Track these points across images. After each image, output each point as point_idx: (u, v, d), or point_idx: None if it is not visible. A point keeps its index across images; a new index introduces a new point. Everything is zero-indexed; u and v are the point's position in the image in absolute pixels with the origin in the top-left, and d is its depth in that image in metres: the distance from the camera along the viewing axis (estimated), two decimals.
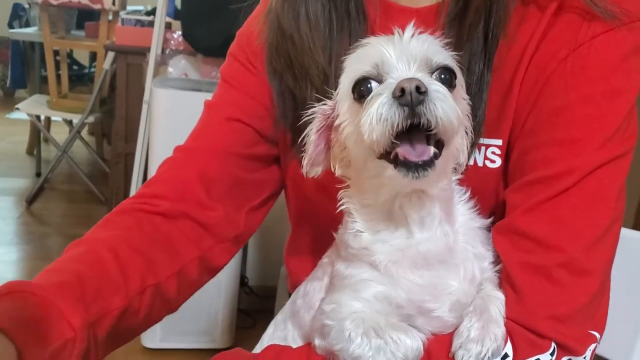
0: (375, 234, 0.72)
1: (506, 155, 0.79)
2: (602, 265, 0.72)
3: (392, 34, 0.68)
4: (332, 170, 0.74)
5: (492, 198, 0.78)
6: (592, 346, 0.71)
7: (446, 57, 0.68)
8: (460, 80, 0.70)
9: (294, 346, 0.81)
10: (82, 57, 5.12)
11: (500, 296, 0.72)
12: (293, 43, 0.84)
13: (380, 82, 0.65)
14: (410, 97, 0.59)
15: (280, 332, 0.87)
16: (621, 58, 0.71)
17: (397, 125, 0.60)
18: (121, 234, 0.81)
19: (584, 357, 0.71)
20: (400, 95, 0.59)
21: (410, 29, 0.67)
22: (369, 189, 0.71)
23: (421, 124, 0.60)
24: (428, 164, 0.62)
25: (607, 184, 0.71)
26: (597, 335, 0.72)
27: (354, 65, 0.69)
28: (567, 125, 0.72)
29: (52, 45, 3.64)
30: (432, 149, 0.62)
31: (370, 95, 0.63)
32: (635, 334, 0.95)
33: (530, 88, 0.75)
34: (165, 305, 0.84)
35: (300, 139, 0.76)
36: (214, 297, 2.34)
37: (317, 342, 0.74)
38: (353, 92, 0.67)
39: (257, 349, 0.87)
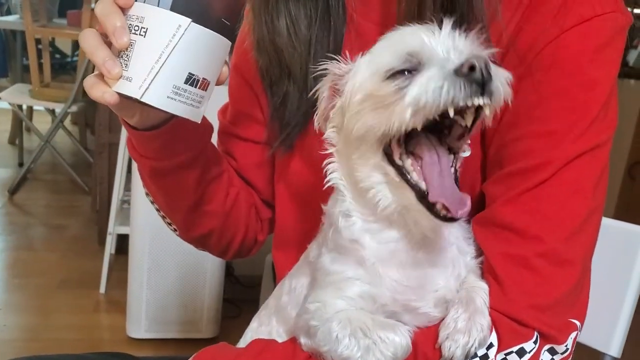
0: (366, 222, 0.71)
1: (482, 147, 0.80)
2: (582, 254, 0.73)
3: (371, 22, 0.67)
4: (320, 129, 0.74)
5: (468, 188, 0.79)
6: (574, 334, 0.72)
7: (488, 54, 0.65)
8: None
9: (280, 341, 0.81)
10: (65, 45, 5.06)
11: (484, 286, 0.72)
12: (272, 43, 0.86)
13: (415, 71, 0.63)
14: (482, 74, 0.58)
15: (264, 327, 0.87)
16: (596, 49, 0.71)
17: (460, 101, 0.58)
18: None
19: (566, 345, 0.72)
20: (467, 73, 0.58)
21: (448, 24, 0.65)
22: (358, 169, 0.70)
23: (466, 125, 0.62)
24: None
25: (585, 174, 0.72)
26: (578, 323, 0.73)
27: (383, 55, 0.67)
28: (544, 118, 0.72)
29: (34, 34, 3.60)
30: (468, 200, 0.62)
31: (425, 69, 0.61)
32: (615, 321, 0.96)
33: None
34: (217, 218, 0.95)
35: (291, 129, 0.79)
36: (199, 287, 2.34)
37: (303, 340, 0.74)
38: (387, 72, 0.65)
39: (241, 343, 0.87)
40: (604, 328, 0.97)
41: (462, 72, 0.59)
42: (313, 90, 0.74)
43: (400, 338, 0.67)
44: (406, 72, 0.63)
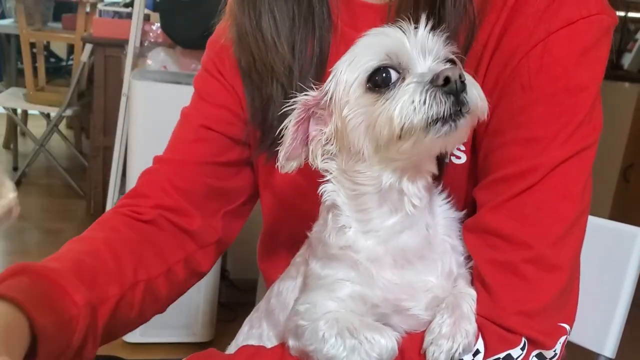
0: (365, 224, 0.71)
1: (473, 153, 0.80)
2: (570, 258, 0.73)
3: (355, 29, 0.68)
4: (311, 164, 0.73)
5: (462, 195, 0.79)
6: (562, 339, 0.72)
7: (450, 51, 0.69)
8: None
9: (269, 345, 0.82)
10: (60, 49, 5.06)
11: (472, 293, 0.73)
12: (256, 39, 0.85)
13: (399, 72, 0.66)
14: (455, 85, 0.62)
15: (255, 330, 0.87)
16: (581, 52, 0.71)
17: (444, 112, 0.62)
18: (113, 235, 0.85)
19: (554, 350, 0.72)
20: (443, 84, 0.62)
21: (422, 22, 0.68)
22: (367, 177, 0.70)
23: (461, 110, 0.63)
24: (460, 113, 0.64)
25: (572, 178, 0.72)
26: (567, 327, 0.73)
27: (364, 55, 0.68)
28: (530, 124, 0.72)
29: (29, 38, 3.59)
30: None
31: (404, 83, 0.64)
32: (609, 322, 0.96)
33: (493, 86, 0.75)
34: (155, 304, 0.87)
35: (275, 134, 0.76)
36: (194, 291, 2.30)
37: (291, 342, 0.74)
38: (368, 81, 0.67)
39: (232, 347, 0.88)
40: (598, 329, 0.97)
41: (437, 83, 0.62)
42: (280, 129, 0.73)
43: (386, 340, 0.68)
44: (385, 75, 0.66)
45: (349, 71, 0.69)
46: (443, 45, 0.68)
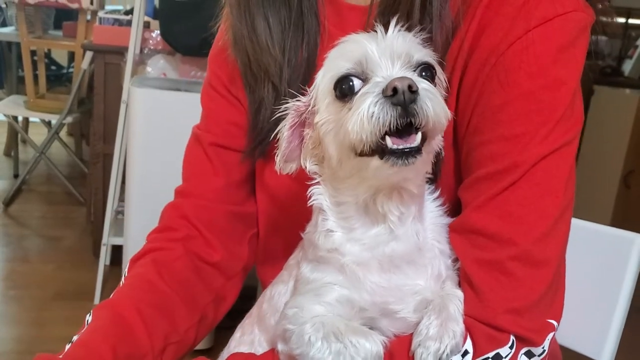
0: (349, 232, 0.72)
1: (454, 150, 0.80)
2: (556, 254, 0.73)
3: (343, 31, 0.69)
4: (303, 166, 0.74)
5: (445, 192, 0.79)
6: (550, 335, 0.72)
7: (426, 54, 0.69)
8: (440, 76, 0.71)
9: (261, 351, 0.82)
10: (61, 57, 5.07)
11: (459, 294, 0.73)
12: (251, 41, 0.86)
13: (363, 80, 0.65)
14: (403, 97, 0.60)
15: (247, 336, 0.87)
16: (559, 49, 0.71)
17: (390, 124, 0.60)
18: (144, 295, 0.86)
19: (543, 347, 0.72)
20: (392, 94, 0.60)
21: (392, 26, 0.67)
22: (345, 187, 0.71)
23: (412, 122, 0.61)
24: (416, 151, 0.62)
25: (554, 174, 0.72)
26: (555, 323, 0.73)
27: (335, 62, 0.69)
28: (510, 121, 0.72)
29: (29, 45, 3.60)
30: (419, 136, 0.63)
31: (358, 94, 0.63)
32: (607, 328, 0.96)
33: (472, 85, 0.75)
34: (184, 351, 0.91)
35: (271, 137, 0.77)
36: None
37: (280, 347, 0.74)
38: (335, 89, 0.67)
39: (225, 353, 0.88)
40: (595, 335, 0.97)
41: (387, 95, 0.60)
42: (274, 132, 0.74)
43: (371, 345, 0.68)
44: (350, 84, 0.65)
45: (322, 79, 0.70)
46: (418, 49, 0.68)
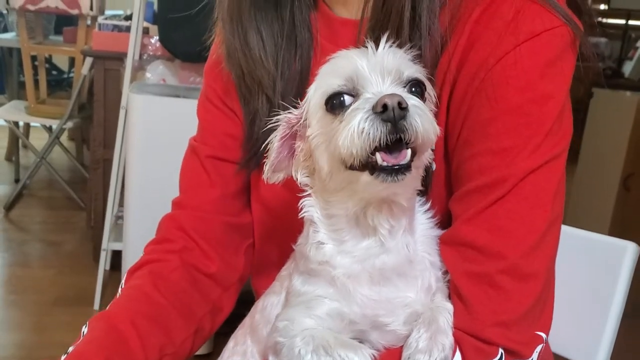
0: (340, 244, 0.72)
1: (445, 162, 0.80)
2: (544, 267, 0.73)
3: (335, 45, 0.69)
4: (294, 178, 0.75)
5: (436, 204, 0.79)
6: (539, 347, 0.73)
7: (416, 70, 0.69)
8: (430, 92, 0.72)
9: None
10: (63, 62, 5.08)
11: (448, 307, 0.73)
12: (245, 54, 0.87)
13: (354, 95, 0.66)
14: (393, 113, 0.61)
15: (240, 346, 0.88)
16: (546, 64, 0.72)
17: (380, 140, 0.61)
18: (140, 307, 0.87)
19: (531, 359, 0.72)
20: (382, 111, 0.61)
21: (383, 43, 0.68)
22: (336, 199, 0.72)
23: (402, 138, 0.62)
24: (405, 168, 0.63)
25: (542, 187, 0.72)
26: (544, 335, 0.74)
27: (326, 78, 0.70)
28: (498, 135, 0.73)
29: (30, 51, 3.61)
30: (409, 152, 0.63)
31: (349, 110, 0.64)
32: (600, 336, 0.96)
33: (461, 99, 0.76)
34: None
35: (259, 148, 0.78)
36: None
37: (271, 359, 0.75)
38: (326, 104, 0.68)
39: None
40: (589, 342, 0.97)
41: (377, 111, 0.61)
42: (265, 143, 0.75)
43: (359, 358, 0.68)
44: (341, 99, 0.66)
45: (314, 94, 0.71)
46: (408, 65, 0.68)
